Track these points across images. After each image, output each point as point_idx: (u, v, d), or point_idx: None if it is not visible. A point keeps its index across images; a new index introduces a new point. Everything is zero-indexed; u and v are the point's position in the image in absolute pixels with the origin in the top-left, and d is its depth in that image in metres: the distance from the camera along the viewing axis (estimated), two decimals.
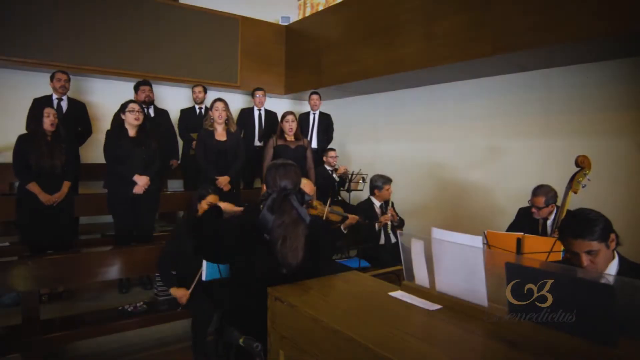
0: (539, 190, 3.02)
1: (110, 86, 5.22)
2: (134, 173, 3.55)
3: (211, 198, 3.12)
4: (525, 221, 3.13)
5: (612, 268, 1.71)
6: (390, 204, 3.90)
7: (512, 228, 3.15)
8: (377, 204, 3.92)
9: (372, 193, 3.95)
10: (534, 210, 3.02)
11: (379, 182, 3.88)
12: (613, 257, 1.72)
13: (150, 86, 4.62)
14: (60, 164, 3.45)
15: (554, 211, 3.05)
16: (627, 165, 3.45)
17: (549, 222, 3.06)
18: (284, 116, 4.46)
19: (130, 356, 2.93)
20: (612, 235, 1.68)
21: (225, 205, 2.14)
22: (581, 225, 1.67)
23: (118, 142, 3.54)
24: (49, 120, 3.39)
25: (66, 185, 3.53)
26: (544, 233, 3.04)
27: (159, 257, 2.98)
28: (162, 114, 4.83)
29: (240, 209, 2.18)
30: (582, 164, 2.75)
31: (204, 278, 2.84)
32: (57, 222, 3.50)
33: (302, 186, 1.86)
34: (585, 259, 1.66)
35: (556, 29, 3.19)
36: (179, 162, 5.09)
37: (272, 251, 1.68)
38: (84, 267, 2.85)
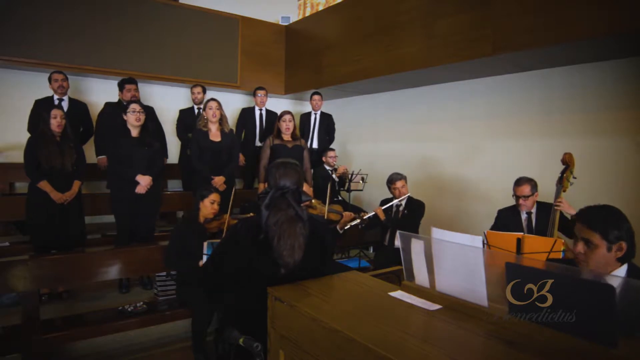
0: (520, 180, 3.07)
1: (110, 86, 5.20)
2: (136, 173, 3.56)
3: (214, 196, 3.14)
4: (508, 222, 3.11)
5: (620, 273, 1.62)
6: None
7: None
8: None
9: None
10: (521, 202, 3.03)
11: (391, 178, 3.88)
12: (615, 265, 1.62)
13: (136, 84, 4.51)
14: (71, 163, 3.48)
15: (535, 206, 3.06)
16: (627, 165, 3.45)
17: (533, 217, 3.06)
18: (280, 116, 4.45)
19: (130, 356, 2.93)
20: (623, 244, 1.59)
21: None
22: (595, 215, 1.61)
23: (120, 143, 3.55)
24: (56, 122, 3.41)
25: (77, 184, 3.56)
26: (529, 231, 3.04)
27: (165, 257, 3.00)
28: (149, 111, 4.75)
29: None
30: (569, 161, 2.77)
31: None
32: (68, 222, 3.51)
33: None
34: (580, 246, 1.61)
35: (556, 29, 3.19)
36: (167, 159, 5.02)
37: (268, 250, 1.68)
38: (84, 267, 2.86)
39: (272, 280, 1.65)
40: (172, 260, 2.98)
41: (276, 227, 1.67)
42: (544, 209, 2.99)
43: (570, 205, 2.77)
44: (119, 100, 4.48)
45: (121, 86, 4.46)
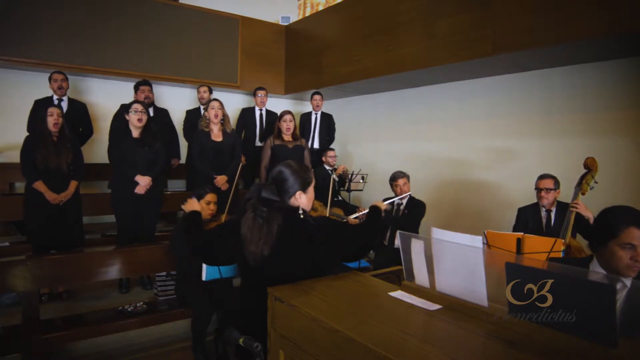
0: (544, 175, 3.11)
1: (110, 86, 5.22)
2: (137, 174, 3.56)
3: (210, 197, 3.13)
4: (528, 219, 3.14)
5: None
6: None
7: (516, 230, 3.15)
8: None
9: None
10: (542, 194, 3.06)
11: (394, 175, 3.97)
12: None
13: (150, 86, 4.60)
14: (67, 163, 3.46)
15: (555, 205, 3.08)
16: (627, 165, 3.45)
17: (552, 215, 3.08)
18: (281, 116, 4.44)
19: (130, 356, 2.93)
20: None
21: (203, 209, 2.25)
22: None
23: (122, 143, 3.56)
24: (52, 119, 3.38)
25: (73, 185, 3.54)
26: (548, 229, 3.05)
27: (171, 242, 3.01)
28: (162, 113, 4.82)
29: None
30: (591, 166, 2.77)
31: (204, 278, 2.84)
32: (65, 222, 3.50)
33: None
34: None
35: (556, 29, 3.19)
36: (179, 160, 5.09)
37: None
38: (84, 267, 2.85)
39: (249, 273, 1.68)
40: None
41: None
42: (564, 208, 2.99)
43: (587, 208, 2.75)
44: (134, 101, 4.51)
45: (136, 88, 4.54)
